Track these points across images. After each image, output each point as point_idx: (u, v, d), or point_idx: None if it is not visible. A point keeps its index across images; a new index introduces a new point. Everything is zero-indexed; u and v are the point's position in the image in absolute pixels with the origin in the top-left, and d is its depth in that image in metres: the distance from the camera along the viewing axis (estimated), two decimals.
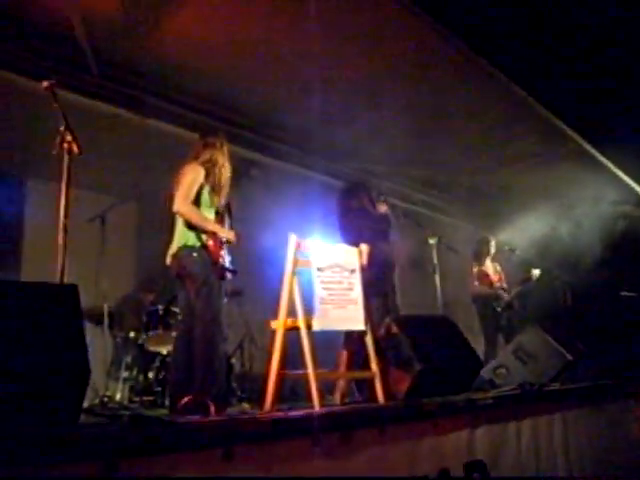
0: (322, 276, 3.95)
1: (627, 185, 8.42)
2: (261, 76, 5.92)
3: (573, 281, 8.09)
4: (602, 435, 5.58)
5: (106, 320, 5.89)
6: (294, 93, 6.21)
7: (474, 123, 6.70)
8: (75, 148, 3.35)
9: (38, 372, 2.27)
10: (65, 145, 3.36)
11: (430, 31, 5.22)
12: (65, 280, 4.37)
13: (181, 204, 4.30)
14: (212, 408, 3.56)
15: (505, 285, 8.02)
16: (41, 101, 3.65)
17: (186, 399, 4.05)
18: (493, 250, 8.01)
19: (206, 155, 4.51)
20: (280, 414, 3.34)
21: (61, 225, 3.24)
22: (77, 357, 2.39)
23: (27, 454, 2.09)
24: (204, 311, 4.24)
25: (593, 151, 7.34)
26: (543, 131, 6.74)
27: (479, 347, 7.26)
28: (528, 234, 8.41)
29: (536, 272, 7.79)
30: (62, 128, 3.42)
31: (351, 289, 4.10)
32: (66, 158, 3.35)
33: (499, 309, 7.74)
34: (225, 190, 4.56)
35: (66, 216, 3.22)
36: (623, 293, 8.39)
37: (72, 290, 2.53)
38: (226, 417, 3.41)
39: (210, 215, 4.47)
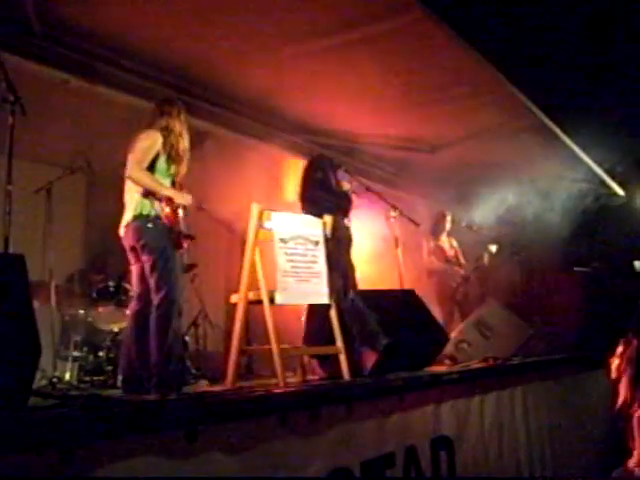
0: (285, 248, 3.80)
1: (587, 165, 8.46)
2: (216, 43, 5.66)
3: (531, 257, 8.11)
4: (559, 406, 5.62)
5: (53, 297, 5.61)
6: (249, 62, 5.98)
7: (437, 94, 6.57)
8: (19, 109, 3.08)
9: None
10: (8, 106, 3.09)
11: None
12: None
13: (134, 169, 4.09)
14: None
15: (462, 260, 8.00)
16: None
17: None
18: (449, 225, 7.98)
19: (162, 122, 4.32)
20: (246, 392, 3.18)
21: (4, 193, 2.98)
22: (25, 333, 2.17)
23: None
24: (160, 283, 4.06)
25: (554, 128, 7.31)
26: (504, 103, 6.66)
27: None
28: (487, 210, 8.39)
29: (493, 248, 7.79)
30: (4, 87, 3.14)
31: (315, 262, 3.97)
32: (9, 120, 3.08)
33: (454, 284, 7.72)
34: (184, 159, 4.37)
35: (9, 182, 2.97)
36: (576, 268, 8.48)
37: (18, 260, 2.31)
38: (188, 396, 3.23)
39: (166, 184, 4.26)
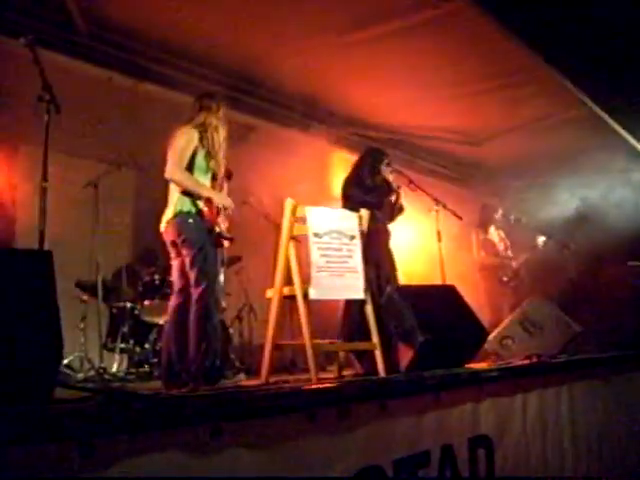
0: (319, 242, 3.77)
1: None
2: (261, 39, 5.67)
3: (581, 250, 7.87)
4: (608, 407, 5.44)
5: (100, 291, 5.73)
6: (297, 58, 5.96)
7: (484, 85, 6.43)
8: (54, 108, 3.13)
9: (5, 345, 2.09)
10: (44, 105, 3.14)
11: None
12: (57, 249, 4.21)
13: (173, 170, 4.12)
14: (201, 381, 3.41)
15: (510, 254, 7.82)
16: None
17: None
18: (498, 217, 7.80)
19: (200, 118, 4.33)
20: (273, 388, 3.17)
21: (41, 189, 3.04)
22: (48, 328, 2.20)
23: None
24: (199, 279, 4.08)
25: (604, 115, 7.08)
26: (553, 93, 6.49)
27: (484, 318, 7.13)
28: (537, 203, 8.19)
29: (541, 240, 7.60)
30: (41, 87, 3.20)
31: (350, 256, 3.92)
32: (45, 118, 3.13)
33: (505, 279, 7.57)
34: (221, 154, 4.36)
35: (44, 179, 3.02)
36: (630, 263, 8.20)
37: (46, 257, 2.34)
38: (215, 391, 3.24)
39: (205, 180, 4.28)
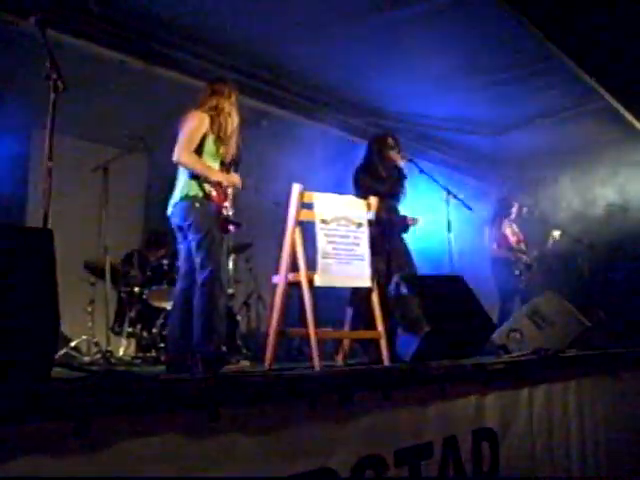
0: (326, 229, 3.73)
1: None
2: (277, 24, 5.61)
3: (595, 245, 7.78)
4: (617, 404, 5.38)
5: (108, 274, 5.73)
6: (310, 43, 5.91)
7: (499, 75, 6.35)
8: (60, 85, 3.11)
9: (1, 323, 2.07)
10: (50, 83, 3.12)
11: None
12: (65, 231, 4.20)
13: (181, 153, 4.09)
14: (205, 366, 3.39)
15: (524, 247, 7.75)
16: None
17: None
18: (512, 210, 7.72)
19: (212, 102, 4.29)
20: (273, 373, 3.14)
21: (45, 168, 3.01)
22: (46, 307, 2.18)
23: None
24: (205, 263, 4.06)
25: (625, 112, 6.98)
26: (569, 85, 6.40)
27: (494, 311, 7.08)
28: (552, 196, 8.11)
29: (556, 233, 7.52)
30: (47, 65, 3.17)
31: (357, 244, 3.88)
32: (51, 96, 3.11)
33: (518, 272, 7.50)
34: (232, 140, 4.33)
35: (50, 159, 3.00)
36: None
37: (46, 235, 2.32)
38: (215, 375, 3.22)
39: (214, 165, 4.25)
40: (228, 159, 4.35)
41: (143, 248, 6.75)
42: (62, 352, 5.36)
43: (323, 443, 2.88)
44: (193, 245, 4.13)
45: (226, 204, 4.24)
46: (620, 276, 7.70)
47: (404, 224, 5.28)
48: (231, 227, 4.26)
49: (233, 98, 4.40)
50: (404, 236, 5.35)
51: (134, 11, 5.38)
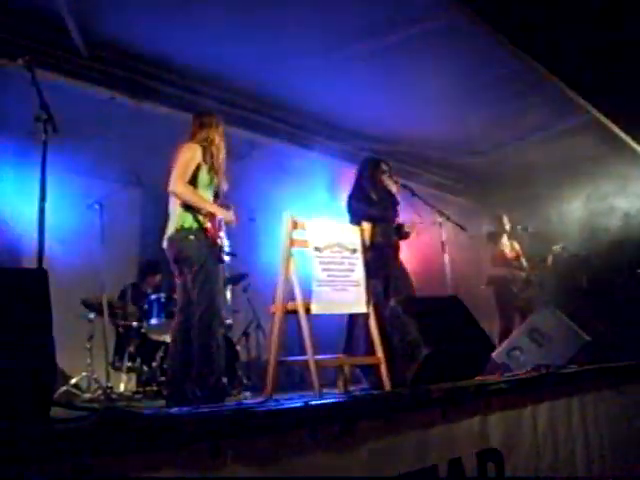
0: (320, 257, 3.74)
1: None
2: (260, 55, 5.68)
3: (591, 259, 7.80)
4: (621, 419, 5.35)
5: (105, 309, 5.72)
6: (295, 73, 5.98)
7: (487, 95, 6.42)
8: (51, 127, 3.14)
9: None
10: (41, 124, 3.15)
11: None
12: (62, 268, 4.21)
13: (177, 184, 4.12)
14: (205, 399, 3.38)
15: (524, 263, 7.73)
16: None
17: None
18: (507, 227, 7.73)
19: (203, 134, 4.34)
20: (273, 405, 3.13)
21: (38, 208, 3.03)
22: (41, 348, 2.18)
23: None
24: (201, 297, 4.07)
25: (611, 125, 7.04)
26: (556, 102, 6.46)
27: (494, 330, 7.07)
28: (546, 212, 8.14)
29: (557, 248, 7.53)
30: (38, 107, 3.21)
31: (352, 270, 3.89)
32: (42, 137, 3.14)
33: (515, 290, 7.49)
34: (222, 170, 4.37)
35: (42, 199, 3.02)
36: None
37: (40, 275, 2.33)
38: (214, 408, 3.21)
39: (208, 196, 4.27)
40: (221, 189, 4.39)
41: (138, 279, 6.75)
42: (62, 390, 5.33)
43: (326, 472, 2.86)
44: (189, 278, 4.14)
45: (221, 234, 4.26)
46: (619, 288, 7.69)
47: (402, 232, 5.29)
48: (227, 257, 4.27)
49: (220, 129, 4.46)
50: (401, 258, 5.36)
51: (121, 48, 5.44)
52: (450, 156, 8.14)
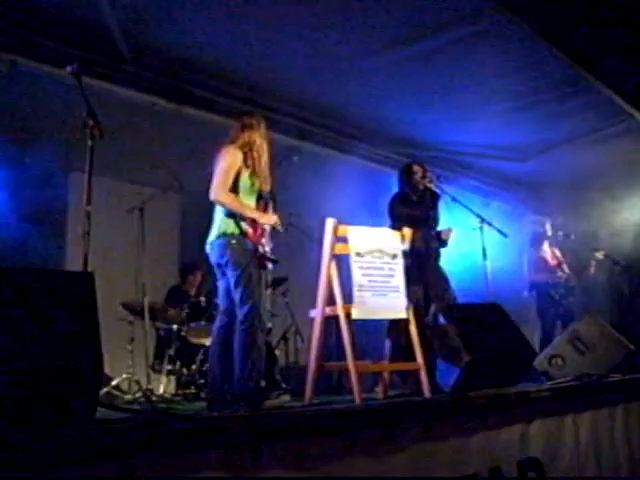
0: (361, 262, 3.75)
1: None
2: (303, 61, 5.71)
3: (632, 267, 7.65)
4: None
5: (147, 313, 5.79)
6: (338, 77, 6.00)
7: (529, 99, 6.36)
8: (98, 132, 3.21)
9: (47, 366, 2.12)
10: (88, 130, 3.22)
11: None
12: (104, 271, 4.28)
13: (218, 192, 4.13)
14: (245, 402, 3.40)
15: (566, 270, 7.62)
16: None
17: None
18: (550, 233, 7.63)
19: (244, 137, 4.31)
20: (314, 409, 3.14)
21: (84, 212, 3.09)
22: (90, 349, 2.23)
23: (35, 454, 1.95)
24: (243, 300, 4.07)
25: None
26: (599, 106, 6.37)
27: (536, 337, 6.98)
28: (588, 218, 8.02)
29: (600, 255, 7.41)
30: (85, 113, 3.28)
31: (392, 275, 3.89)
32: (89, 143, 3.21)
33: (557, 296, 7.38)
34: (265, 172, 4.35)
35: (88, 203, 3.08)
36: None
37: (87, 278, 2.38)
38: (256, 412, 3.23)
39: (250, 201, 4.27)
40: (265, 192, 4.38)
41: (179, 281, 6.83)
42: (104, 391, 5.40)
43: (365, 477, 2.86)
44: (232, 282, 4.15)
45: (263, 241, 4.26)
46: None
47: (440, 240, 5.29)
48: (269, 263, 4.28)
49: (262, 129, 4.42)
50: (441, 264, 5.35)
51: (164, 54, 5.52)
52: (492, 161, 8.07)
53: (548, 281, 7.44)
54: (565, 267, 7.64)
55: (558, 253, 7.72)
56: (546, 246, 7.66)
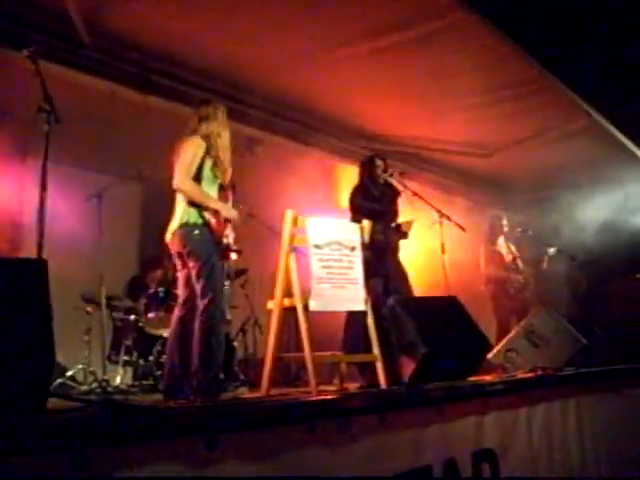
0: (320, 254, 3.75)
1: None
2: (268, 53, 5.67)
3: (590, 262, 7.80)
4: (618, 421, 5.36)
5: (104, 302, 5.72)
6: (299, 67, 5.97)
7: (490, 96, 6.42)
8: (54, 118, 3.15)
9: None
10: (44, 115, 3.16)
11: None
12: (61, 260, 4.19)
13: (181, 180, 4.10)
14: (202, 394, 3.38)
15: (520, 266, 7.75)
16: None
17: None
18: (506, 229, 7.75)
19: (203, 129, 4.29)
20: (270, 400, 3.14)
21: (39, 198, 3.04)
22: (41, 338, 2.19)
23: None
24: (205, 291, 4.05)
25: (612, 129, 7.04)
26: (558, 105, 6.46)
27: (491, 331, 7.07)
28: (546, 214, 8.15)
29: (552, 251, 7.54)
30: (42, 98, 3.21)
31: (351, 267, 3.90)
32: (45, 128, 3.14)
33: (512, 291, 7.50)
34: (227, 162, 4.33)
35: (43, 189, 3.03)
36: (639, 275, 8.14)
37: (40, 265, 2.33)
38: (211, 402, 3.22)
39: (213, 191, 4.25)
40: (226, 181, 4.36)
41: (140, 272, 6.75)
42: (58, 382, 5.33)
43: (322, 468, 2.87)
44: (193, 273, 4.12)
45: (226, 231, 4.23)
46: (616, 292, 7.72)
47: (401, 232, 5.33)
48: (232, 254, 4.25)
49: (220, 117, 4.38)
50: (400, 257, 5.39)
51: (126, 41, 5.43)
52: (453, 157, 8.13)
53: (503, 276, 7.55)
54: (520, 262, 7.76)
55: (513, 248, 7.84)
56: (502, 241, 7.77)
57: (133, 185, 6.88)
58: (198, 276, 4.07)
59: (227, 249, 4.18)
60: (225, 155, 4.31)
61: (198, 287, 4.07)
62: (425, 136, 7.61)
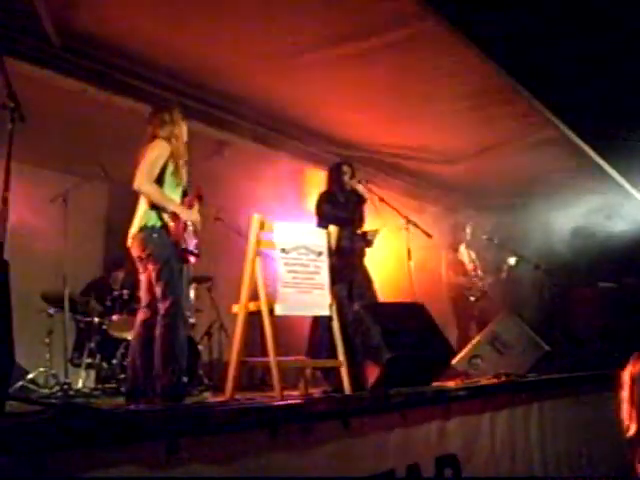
0: (286, 258, 3.74)
1: (612, 178, 8.26)
2: (234, 55, 5.65)
3: (552, 271, 7.92)
4: (577, 425, 5.44)
5: (67, 304, 5.64)
6: (267, 70, 5.96)
7: (458, 104, 6.48)
8: (18, 116, 3.10)
9: None
10: (8, 112, 3.10)
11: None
12: (24, 261, 4.13)
13: (142, 182, 4.07)
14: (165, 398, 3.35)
15: (480, 273, 7.83)
16: None
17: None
18: (469, 237, 7.83)
19: (165, 131, 4.26)
20: (233, 404, 3.12)
21: (1, 198, 2.98)
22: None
23: None
24: (165, 294, 4.03)
25: (575, 138, 7.16)
26: (522, 115, 6.55)
27: (452, 337, 7.13)
28: (509, 223, 8.25)
29: (512, 260, 7.64)
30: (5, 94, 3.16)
31: (317, 272, 3.90)
32: (9, 126, 3.09)
33: (473, 298, 7.57)
34: (184, 160, 4.29)
35: (6, 189, 2.97)
36: (601, 284, 8.29)
37: (1, 267, 2.29)
38: (174, 406, 3.19)
39: (175, 195, 4.24)
40: (185, 183, 4.34)
41: (104, 273, 6.67)
42: (19, 385, 5.24)
43: (285, 472, 2.86)
44: (153, 275, 4.11)
45: (185, 235, 4.20)
46: (579, 300, 7.85)
47: (366, 240, 5.36)
48: (191, 257, 4.23)
49: (175, 116, 4.35)
50: (366, 263, 5.41)
51: (95, 40, 5.37)
52: (421, 164, 8.18)
53: (464, 284, 7.63)
54: (479, 271, 7.84)
55: (474, 256, 7.91)
56: (463, 249, 7.84)
57: (99, 185, 6.78)
58: (157, 279, 4.06)
59: (186, 252, 4.15)
60: (184, 156, 4.31)
61: (158, 290, 4.06)
62: (394, 143, 7.64)
